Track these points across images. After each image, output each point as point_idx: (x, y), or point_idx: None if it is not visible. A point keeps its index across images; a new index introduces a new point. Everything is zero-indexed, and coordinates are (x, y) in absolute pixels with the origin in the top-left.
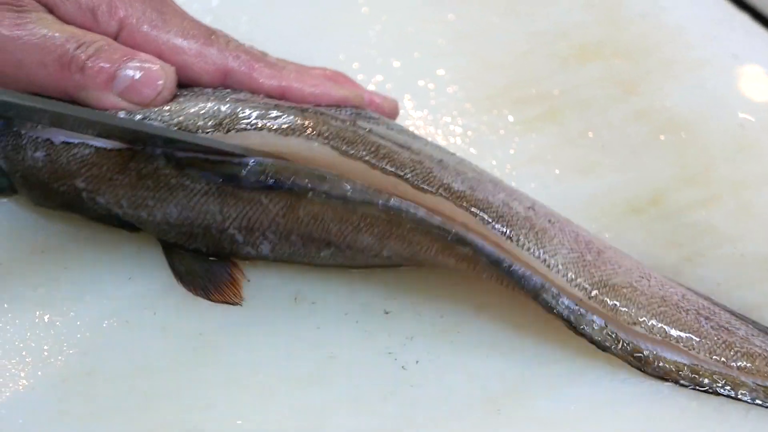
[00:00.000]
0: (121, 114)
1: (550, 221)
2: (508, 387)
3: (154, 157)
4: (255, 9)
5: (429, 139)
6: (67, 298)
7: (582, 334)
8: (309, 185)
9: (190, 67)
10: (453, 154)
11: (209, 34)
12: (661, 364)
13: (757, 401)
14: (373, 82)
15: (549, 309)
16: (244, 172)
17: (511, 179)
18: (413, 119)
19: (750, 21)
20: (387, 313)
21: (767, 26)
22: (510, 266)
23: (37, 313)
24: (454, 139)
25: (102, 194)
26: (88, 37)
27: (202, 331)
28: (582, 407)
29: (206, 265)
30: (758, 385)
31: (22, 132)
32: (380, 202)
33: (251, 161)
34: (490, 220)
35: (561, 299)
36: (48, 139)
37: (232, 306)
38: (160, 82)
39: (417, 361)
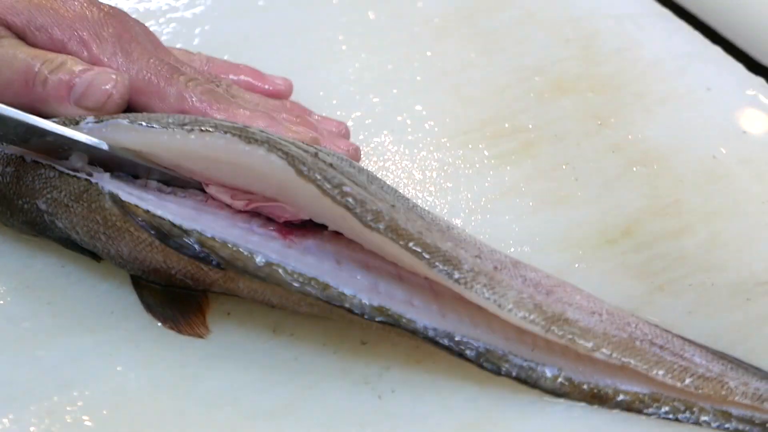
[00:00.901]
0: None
1: (496, 267)
2: (482, 415)
3: (102, 194)
4: (235, 47)
5: (403, 174)
6: (50, 333)
7: (537, 387)
8: (243, 267)
9: (151, 107)
10: (407, 200)
11: (172, 74)
12: (621, 397)
13: (719, 425)
14: (352, 118)
15: (497, 372)
16: (178, 242)
17: (486, 212)
18: (391, 153)
19: (723, 54)
20: (364, 343)
21: (739, 59)
22: (447, 339)
23: (21, 347)
24: (431, 173)
25: (60, 219)
26: (53, 55)
27: (183, 363)
28: None
29: (176, 296)
30: (715, 409)
31: None
32: (315, 292)
33: (186, 226)
34: (437, 264)
35: (507, 359)
36: (21, 157)
37: (213, 338)
38: (109, 86)
39: (393, 391)
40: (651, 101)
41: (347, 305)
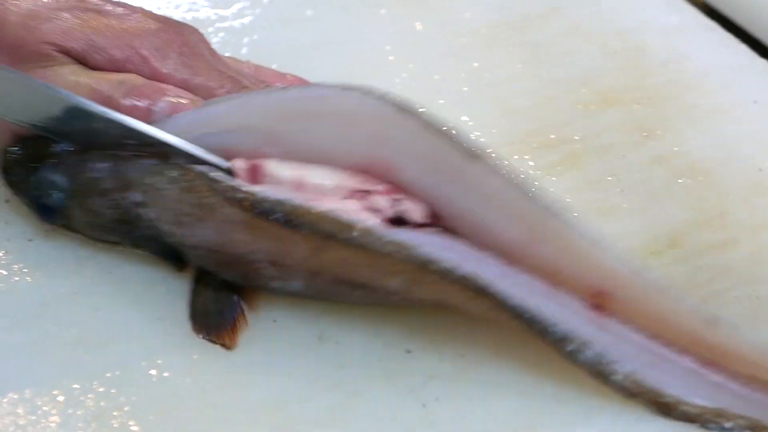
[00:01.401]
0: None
1: None
2: (526, 425)
3: (196, 174)
4: (283, 57)
5: None
6: (97, 339)
7: (608, 384)
8: (331, 231)
9: None
10: None
11: (233, 86)
12: (683, 408)
13: None
14: None
15: (572, 360)
16: (267, 207)
17: None
18: None
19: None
20: (409, 352)
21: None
22: (532, 318)
23: (69, 352)
24: None
25: (152, 207)
26: (119, 76)
27: (229, 370)
28: None
29: (220, 308)
30: None
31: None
32: (404, 254)
33: (272, 198)
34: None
35: (584, 351)
36: (116, 154)
37: (259, 345)
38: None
39: (437, 399)
40: (697, 113)
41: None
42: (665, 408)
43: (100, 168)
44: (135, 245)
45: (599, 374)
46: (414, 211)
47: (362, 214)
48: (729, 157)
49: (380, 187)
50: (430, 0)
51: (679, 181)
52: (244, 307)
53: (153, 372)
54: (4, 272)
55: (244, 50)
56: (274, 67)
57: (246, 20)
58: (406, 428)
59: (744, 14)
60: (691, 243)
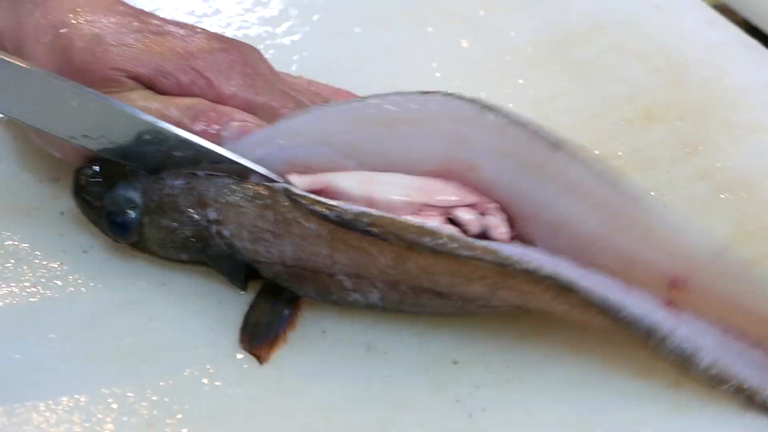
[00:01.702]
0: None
1: None
2: None
3: (276, 191)
4: (332, 73)
5: None
6: (151, 348)
7: (693, 371)
8: (416, 240)
9: None
10: None
11: (295, 105)
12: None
13: None
14: None
15: (658, 352)
16: (350, 217)
17: None
18: None
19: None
20: (455, 363)
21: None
22: (619, 312)
23: (123, 361)
24: None
25: (227, 225)
26: (186, 101)
27: (279, 380)
28: None
29: (270, 321)
30: None
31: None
32: (491, 258)
33: (355, 209)
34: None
35: (669, 342)
36: (191, 172)
37: (308, 356)
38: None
39: (483, 409)
40: (739, 130)
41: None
42: (749, 397)
43: (175, 186)
44: (206, 263)
45: (686, 363)
46: (497, 227)
47: (444, 228)
48: None
49: (454, 198)
50: (475, 18)
51: (722, 196)
52: (294, 321)
53: (205, 381)
54: (60, 283)
55: (294, 67)
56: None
57: (296, 37)
58: None
59: None
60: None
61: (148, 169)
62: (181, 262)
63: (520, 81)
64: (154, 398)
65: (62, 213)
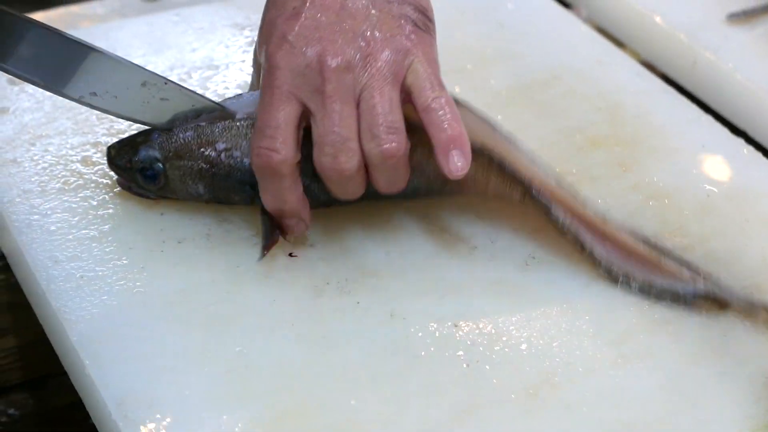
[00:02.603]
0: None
1: None
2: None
3: None
4: None
5: None
6: (224, 312)
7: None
8: None
9: None
10: None
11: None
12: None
13: None
14: None
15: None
16: None
17: None
18: None
19: (713, 121)
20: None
21: (725, 125)
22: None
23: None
24: None
25: (238, 148)
26: None
27: (326, 335)
28: None
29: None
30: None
31: (174, 126)
32: None
33: None
34: None
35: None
36: (196, 124)
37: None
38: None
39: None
40: (662, 153)
41: None
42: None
43: (186, 136)
44: (221, 193)
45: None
46: None
47: None
48: (685, 186)
49: None
50: (464, 70)
51: (650, 203)
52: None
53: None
54: (160, 265)
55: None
56: None
57: None
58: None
59: (692, 83)
60: None
61: (159, 128)
62: (197, 197)
63: (499, 117)
64: (237, 349)
65: (162, 214)
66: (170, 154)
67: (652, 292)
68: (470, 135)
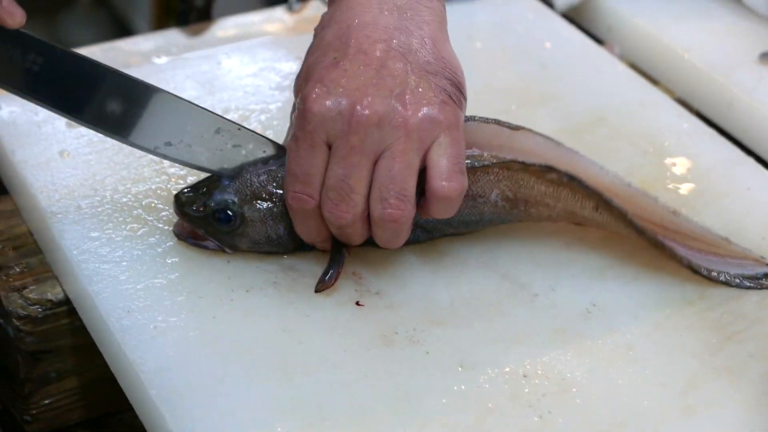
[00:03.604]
0: None
1: None
2: None
3: None
4: None
5: None
6: (302, 367)
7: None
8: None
9: None
10: None
11: None
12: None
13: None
14: None
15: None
16: None
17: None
18: None
19: (754, 162)
20: (525, 376)
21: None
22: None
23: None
24: None
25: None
26: None
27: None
28: None
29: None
30: None
31: (246, 172)
32: None
33: None
34: None
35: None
36: (268, 169)
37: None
38: None
39: (550, 412)
40: (708, 196)
41: None
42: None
43: (261, 179)
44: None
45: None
46: None
47: None
48: (733, 229)
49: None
50: (510, 111)
51: None
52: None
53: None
54: (231, 314)
55: None
56: None
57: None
58: None
59: (729, 123)
60: (714, 295)
61: (226, 175)
62: (277, 240)
63: None
64: (311, 410)
65: (228, 262)
66: (247, 197)
67: (733, 281)
68: (533, 154)
